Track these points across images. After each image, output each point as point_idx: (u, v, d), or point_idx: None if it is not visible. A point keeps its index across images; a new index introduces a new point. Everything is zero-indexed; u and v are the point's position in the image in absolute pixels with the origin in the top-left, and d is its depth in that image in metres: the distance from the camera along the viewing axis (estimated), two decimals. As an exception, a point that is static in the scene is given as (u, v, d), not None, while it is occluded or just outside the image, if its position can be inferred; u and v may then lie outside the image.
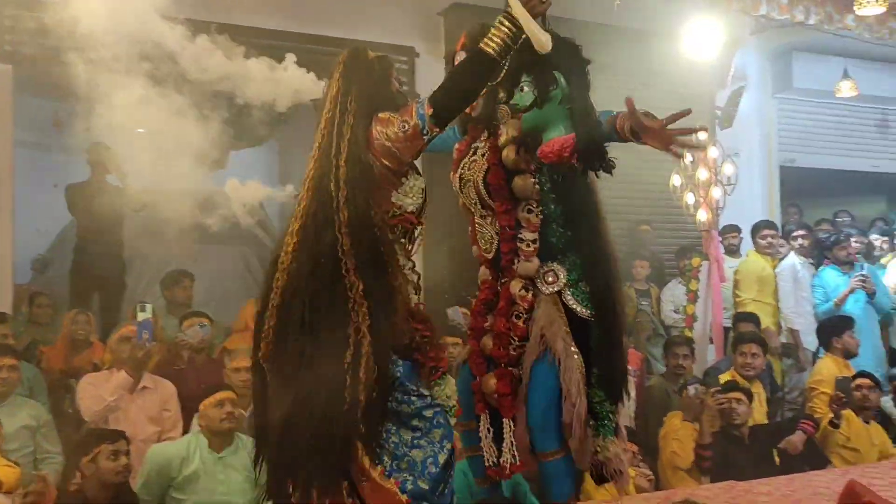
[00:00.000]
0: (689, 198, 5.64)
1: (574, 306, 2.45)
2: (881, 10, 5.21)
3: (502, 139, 2.44)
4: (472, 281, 2.83)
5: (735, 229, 6.17)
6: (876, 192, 9.57)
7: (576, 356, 2.40)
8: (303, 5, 5.74)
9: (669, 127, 2.08)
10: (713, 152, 5.64)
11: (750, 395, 4.22)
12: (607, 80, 7.07)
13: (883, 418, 4.82)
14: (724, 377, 4.48)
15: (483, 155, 2.50)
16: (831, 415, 4.36)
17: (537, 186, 2.44)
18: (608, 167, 2.24)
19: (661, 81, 5.85)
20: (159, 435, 3.88)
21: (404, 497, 2.01)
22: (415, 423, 2.08)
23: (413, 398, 2.10)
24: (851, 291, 5.65)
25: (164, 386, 4.02)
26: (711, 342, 5.62)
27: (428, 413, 2.11)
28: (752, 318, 5.29)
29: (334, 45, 5.86)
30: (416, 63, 6.25)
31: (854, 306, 5.65)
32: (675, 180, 5.68)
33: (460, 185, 2.56)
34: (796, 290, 5.67)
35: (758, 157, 7.54)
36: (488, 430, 2.53)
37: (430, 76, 6.22)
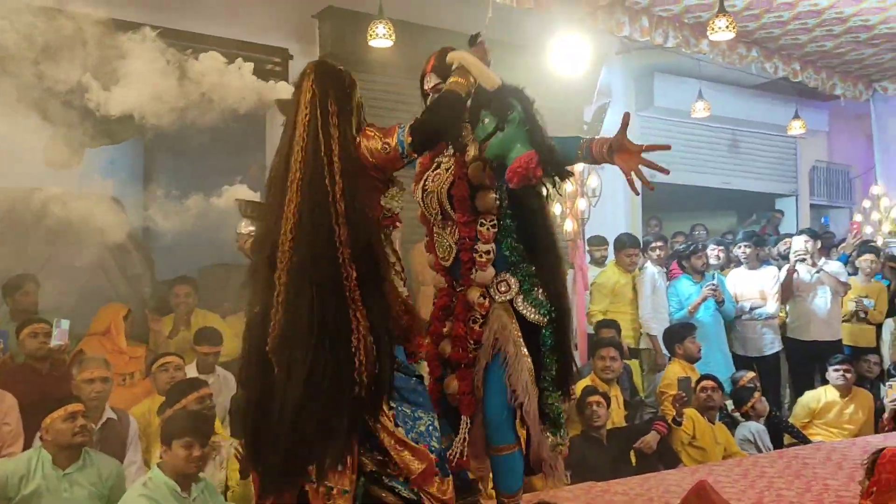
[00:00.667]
0: (557, 208, 5.82)
1: (525, 312, 2.63)
2: (731, 35, 5.57)
3: (469, 155, 2.63)
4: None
5: (602, 242, 6.41)
6: (728, 207, 10.25)
7: (525, 358, 2.60)
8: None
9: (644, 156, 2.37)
10: (579, 165, 5.83)
11: (608, 399, 4.39)
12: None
13: (728, 419, 5.15)
14: (583, 382, 4.63)
15: (447, 169, 2.67)
16: (673, 413, 4.61)
17: (497, 202, 2.63)
18: (567, 175, 2.52)
19: (530, 94, 6.00)
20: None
21: (433, 457, 2.27)
22: (412, 397, 2.33)
23: (410, 377, 2.36)
24: (703, 300, 5.96)
25: (3, 398, 3.72)
26: (576, 348, 5.81)
27: (420, 388, 2.38)
28: (613, 325, 5.52)
29: (207, 42, 5.68)
30: (290, 65, 6.13)
31: (704, 314, 5.99)
32: (544, 191, 5.82)
33: (422, 196, 2.73)
34: (654, 298, 5.95)
35: (621, 172, 7.87)
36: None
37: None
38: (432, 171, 2.72)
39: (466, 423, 2.65)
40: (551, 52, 5.99)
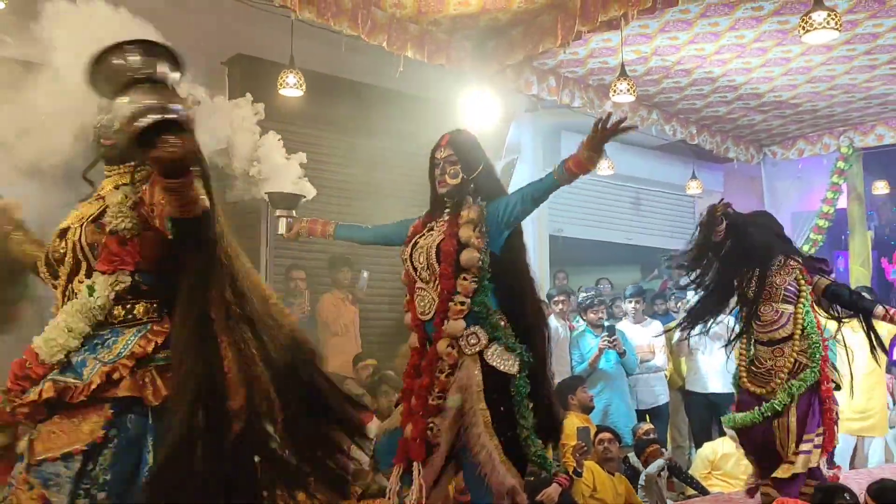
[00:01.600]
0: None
1: (495, 363, 2.76)
2: (631, 98, 5.83)
3: (464, 218, 2.83)
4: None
5: (564, 293, 6.52)
6: (632, 262, 10.57)
7: (481, 411, 2.71)
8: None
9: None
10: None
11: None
12: (391, 141, 7.26)
13: (631, 471, 5.21)
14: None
15: (440, 231, 2.89)
16: (574, 464, 4.63)
17: (479, 261, 2.80)
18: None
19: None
20: None
21: None
22: None
23: None
24: (601, 352, 6.07)
25: None
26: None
27: None
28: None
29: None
30: (198, 112, 6.03)
31: (606, 365, 6.09)
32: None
33: (411, 253, 2.92)
34: (556, 352, 6.01)
35: (531, 226, 8.06)
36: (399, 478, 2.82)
37: (214, 124, 6.03)
38: (425, 232, 2.94)
39: (419, 470, 2.73)
40: (461, 107, 6.12)
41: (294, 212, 3.86)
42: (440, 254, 2.82)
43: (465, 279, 2.78)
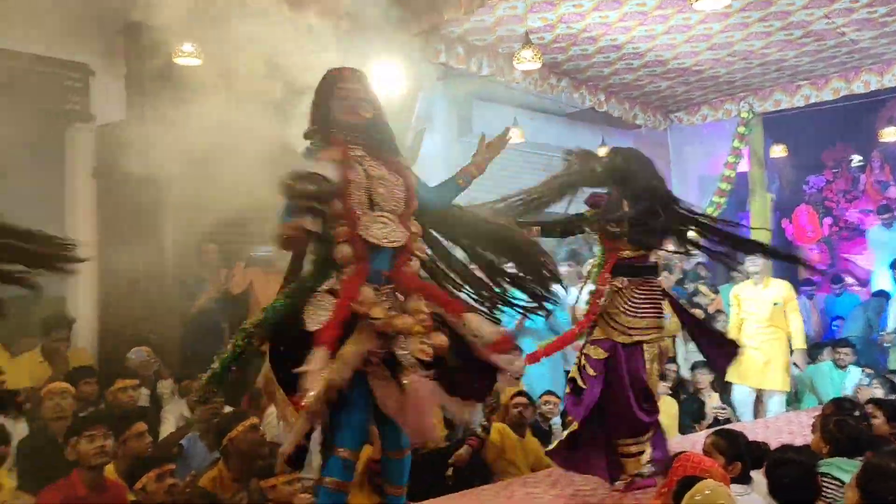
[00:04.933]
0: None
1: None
2: (536, 65, 5.87)
3: (404, 164, 3.08)
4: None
5: None
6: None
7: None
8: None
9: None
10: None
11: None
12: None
13: (542, 433, 5.33)
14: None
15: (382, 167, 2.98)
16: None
17: None
18: None
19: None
20: None
21: None
22: None
23: None
24: (524, 316, 6.13)
25: None
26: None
27: None
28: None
29: (3, 56, 5.24)
30: (91, 81, 5.77)
31: (532, 326, 6.16)
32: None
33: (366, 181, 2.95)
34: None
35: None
36: None
37: (105, 95, 5.80)
38: (364, 163, 2.91)
39: None
40: (369, 75, 6.02)
41: None
42: (408, 192, 2.90)
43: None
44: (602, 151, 9.02)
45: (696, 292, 8.09)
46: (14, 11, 5.11)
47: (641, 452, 3.80)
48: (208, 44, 5.24)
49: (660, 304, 3.92)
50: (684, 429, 6.14)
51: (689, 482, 2.61)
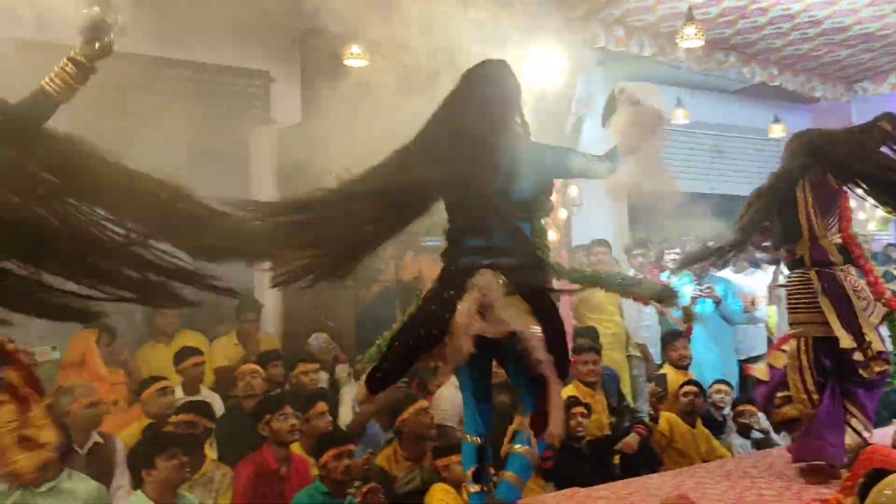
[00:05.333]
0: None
1: None
2: (700, 42, 5.65)
3: None
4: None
5: (604, 244, 6.47)
6: (717, 213, 10.27)
7: None
8: (155, 29, 5.56)
9: None
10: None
11: (590, 409, 4.45)
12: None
13: (714, 423, 5.16)
14: (566, 390, 4.66)
15: None
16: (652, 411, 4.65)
17: None
18: None
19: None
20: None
21: None
22: None
23: None
24: (693, 303, 5.99)
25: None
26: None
27: None
28: (590, 332, 5.55)
29: (189, 68, 5.77)
30: (271, 88, 6.22)
31: (703, 315, 6.00)
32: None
33: None
34: (639, 305, 5.97)
35: (603, 181, 7.92)
36: None
37: (285, 101, 6.22)
38: None
39: None
40: (528, 64, 6.07)
41: None
42: None
43: None
44: (776, 129, 8.61)
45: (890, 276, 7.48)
46: (200, 27, 5.58)
47: None
48: (376, 45, 5.50)
49: None
50: (879, 421, 5.72)
51: (877, 475, 2.48)
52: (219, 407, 4.67)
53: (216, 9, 5.06)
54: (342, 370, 5.60)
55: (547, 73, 5.97)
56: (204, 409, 4.15)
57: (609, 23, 6.60)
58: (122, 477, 3.87)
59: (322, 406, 4.29)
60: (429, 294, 2.83)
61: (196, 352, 4.80)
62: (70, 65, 2.17)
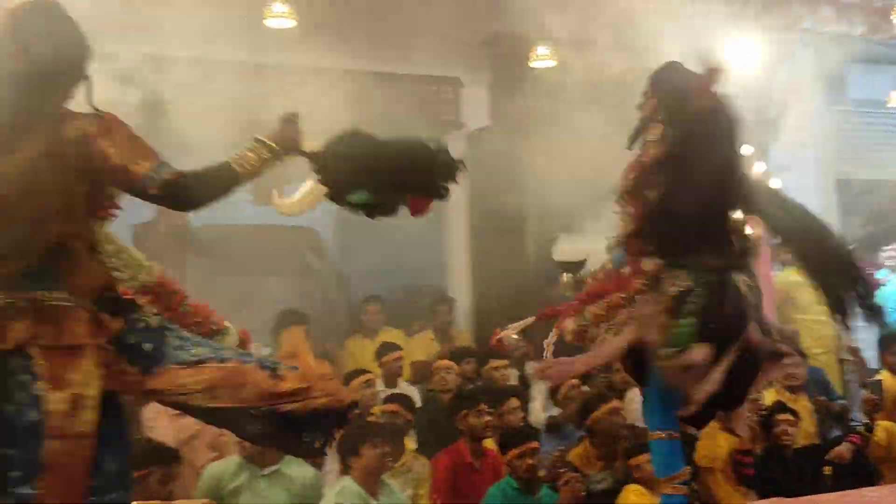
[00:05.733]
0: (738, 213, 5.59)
1: None
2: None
3: None
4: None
5: None
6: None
7: None
8: (346, 41, 5.91)
9: None
10: (759, 168, 5.60)
11: (797, 415, 4.19)
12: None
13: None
14: (770, 395, 4.42)
15: None
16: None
17: None
18: None
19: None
20: (218, 459, 4.07)
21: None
22: None
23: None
24: None
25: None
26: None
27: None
28: (792, 334, 5.19)
29: (384, 80, 6.09)
30: (461, 93, 6.41)
31: None
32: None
33: None
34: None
35: (812, 171, 7.42)
36: None
37: (474, 107, 6.39)
38: None
39: None
40: (730, 55, 5.79)
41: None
42: None
43: None
44: None
45: None
46: (392, 40, 5.87)
47: None
48: (563, 45, 5.52)
49: None
50: None
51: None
52: (416, 400, 4.91)
53: (408, 19, 5.32)
54: (532, 367, 5.68)
55: (748, 63, 5.67)
56: (407, 401, 4.38)
57: (815, 2, 6.15)
58: (332, 462, 4.18)
59: (515, 402, 4.40)
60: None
61: (396, 347, 5.11)
62: (265, 152, 2.10)
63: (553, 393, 4.88)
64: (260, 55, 5.08)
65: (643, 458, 3.69)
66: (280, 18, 4.86)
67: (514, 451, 3.79)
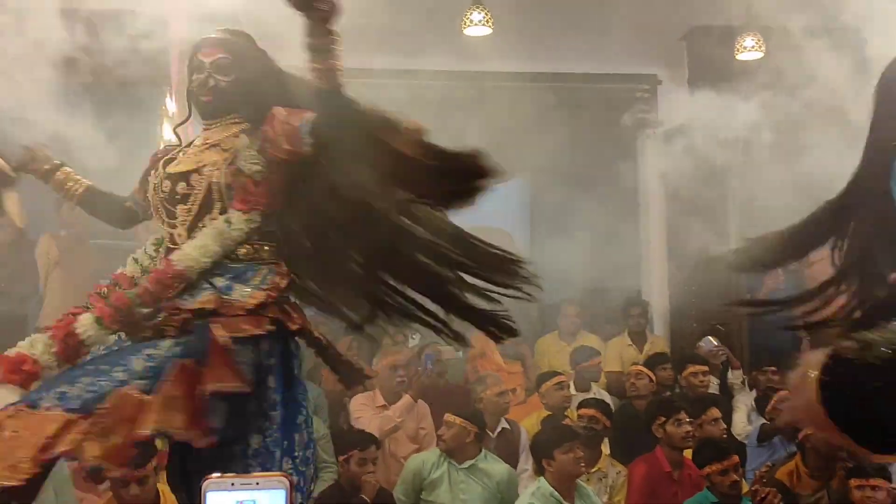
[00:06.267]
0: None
1: None
2: None
3: None
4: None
5: None
6: None
7: None
8: (540, 43, 5.90)
9: None
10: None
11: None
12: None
13: None
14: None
15: None
16: None
17: None
18: None
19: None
20: (418, 451, 4.27)
21: None
22: None
23: None
24: None
25: (422, 406, 4.44)
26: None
27: None
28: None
29: (580, 80, 6.08)
30: (658, 90, 6.24)
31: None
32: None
33: None
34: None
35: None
36: None
37: (672, 103, 6.18)
38: None
39: None
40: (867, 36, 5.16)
41: None
42: None
43: None
44: None
45: None
46: (580, 38, 5.82)
47: None
48: (772, 33, 5.19)
49: None
50: None
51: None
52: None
53: (608, 19, 5.27)
54: (736, 377, 5.41)
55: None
56: (605, 407, 4.35)
57: None
58: (526, 461, 4.24)
59: (715, 412, 4.22)
60: None
61: (596, 353, 5.10)
62: None
63: (761, 403, 4.61)
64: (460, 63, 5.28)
65: (871, 481, 3.42)
66: (478, 27, 5.00)
67: (717, 466, 3.62)
